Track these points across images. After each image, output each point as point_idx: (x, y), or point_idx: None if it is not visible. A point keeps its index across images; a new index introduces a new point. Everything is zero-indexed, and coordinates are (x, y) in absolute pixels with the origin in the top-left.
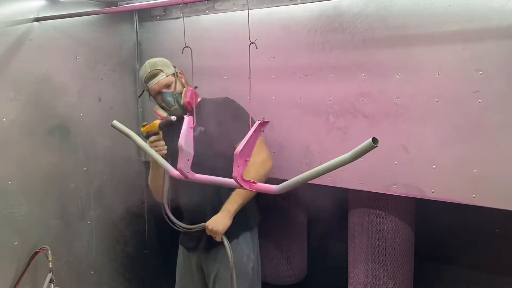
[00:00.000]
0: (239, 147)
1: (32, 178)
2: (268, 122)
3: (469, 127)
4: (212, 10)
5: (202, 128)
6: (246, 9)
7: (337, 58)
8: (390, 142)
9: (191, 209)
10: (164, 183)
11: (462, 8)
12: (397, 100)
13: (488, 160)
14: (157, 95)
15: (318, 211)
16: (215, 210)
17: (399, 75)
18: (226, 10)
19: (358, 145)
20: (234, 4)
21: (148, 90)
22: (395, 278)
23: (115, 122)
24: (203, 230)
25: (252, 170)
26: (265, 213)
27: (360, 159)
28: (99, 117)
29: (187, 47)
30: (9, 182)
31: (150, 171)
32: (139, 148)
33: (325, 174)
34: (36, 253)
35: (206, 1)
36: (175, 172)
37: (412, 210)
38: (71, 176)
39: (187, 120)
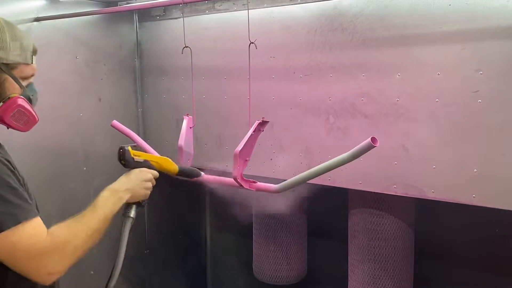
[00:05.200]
0: (239, 147)
1: (32, 178)
2: (268, 122)
3: (469, 127)
4: (212, 10)
5: None
6: (246, 9)
7: (337, 58)
8: (390, 142)
9: None
10: None
11: (462, 8)
12: (397, 100)
13: (488, 160)
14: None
15: (318, 211)
16: None
17: (399, 75)
18: (226, 10)
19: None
20: (234, 4)
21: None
22: (394, 278)
23: (115, 122)
24: None
25: None
26: (265, 213)
27: (360, 159)
28: (99, 117)
29: (187, 47)
30: None
31: None
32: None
33: (324, 174)
34: None
35: (206, 1)
36: None
37: (412, 210)
38: (71, 176)
39: (187, 120)
